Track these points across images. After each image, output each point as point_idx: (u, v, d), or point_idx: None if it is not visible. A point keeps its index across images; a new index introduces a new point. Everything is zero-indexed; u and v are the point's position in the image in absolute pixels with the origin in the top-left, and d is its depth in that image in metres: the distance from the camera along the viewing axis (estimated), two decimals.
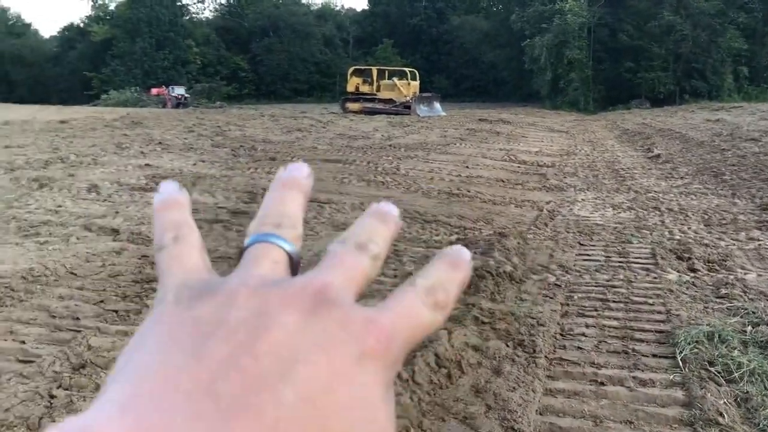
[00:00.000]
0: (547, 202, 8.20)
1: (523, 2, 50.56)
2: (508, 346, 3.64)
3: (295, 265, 0.35)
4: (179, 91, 43.98)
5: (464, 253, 0.35)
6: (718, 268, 5.24)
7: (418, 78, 32.99)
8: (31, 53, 72.77)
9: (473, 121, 23.89)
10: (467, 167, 11.16)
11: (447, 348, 3.44)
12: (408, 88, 31.25)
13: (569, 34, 44.46)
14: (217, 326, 0.28)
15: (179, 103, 40.78)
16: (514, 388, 3.17)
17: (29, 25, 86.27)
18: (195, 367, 0.26)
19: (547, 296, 4.57)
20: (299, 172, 0.39)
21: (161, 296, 0.32)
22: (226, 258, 5.24)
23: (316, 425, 0.26)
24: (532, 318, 4.07)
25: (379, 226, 0.36)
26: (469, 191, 8.71)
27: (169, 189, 0.38)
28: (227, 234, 6.09)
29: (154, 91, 44.72)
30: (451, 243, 5.98)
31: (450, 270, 0.34)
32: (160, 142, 13.79)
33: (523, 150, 14.46)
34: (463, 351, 3.48)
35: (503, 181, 9.84)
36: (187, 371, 0.26)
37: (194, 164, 10.82)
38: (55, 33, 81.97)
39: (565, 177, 10.55)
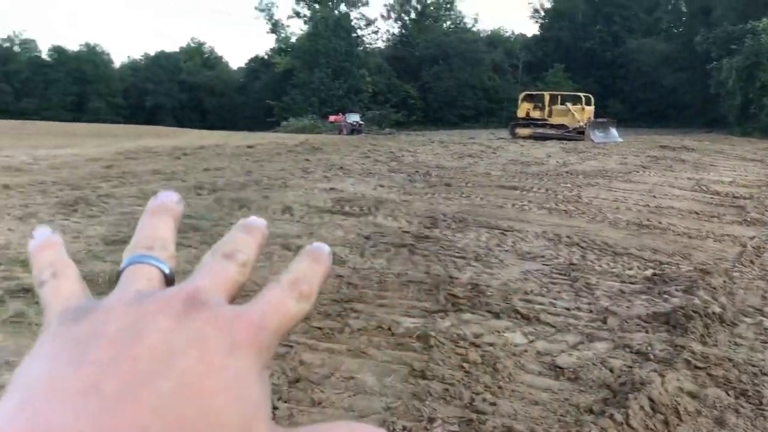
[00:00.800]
0: (751, 238, 7.52)
1: (709, 23, 47.35)
2: (729, 395, 3.35)
3: (170, 282, 0.38)
4: (354, 118, 45.65)
5: (324, 248, 0.39)
6: None
7: (592, 103, 31.90)
8: (222, 84, 79.81)
9: (654, 147, 22.62)
10: (654, 197, 10.54)
11: (661, 392, 3.23)
12: (582, 113, 30.30)
13: (763, 56, 40.86)
14: (97, 338, 0.31)
15: (353, 130, 42.31)
16: None
17: (221, 57, 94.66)
18: (79, 372, 0.29)
19: (766, 342, 4.16)
20: (168, 199, 0.42)
21: (46, 325, 0.34)
22: (416, 282, 5.33)
23: (193, 409, 0.29)
24: (753, 365, 3.72)
25: (244, 236, 0.39)
26: (660, 222, 8.21)
27: (42, 233, 0.40)
28: (413, 258, 6.20)
29: (331, 118, 46.87)
30: (646, 278, 5.66)
31: (311, 263, 0.38)
32: (341, 167, 14.44)
33: (714, 180, 13.42)
34: (678, 397, 3.25)
35: (696, 213, 9.17)
36: (73, 376, 0.29)
37: (374, 188, 11.19)
38: (242, 65, 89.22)
39: (766, 210, 9.63)
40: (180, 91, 77.57)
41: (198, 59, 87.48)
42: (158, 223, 0.40)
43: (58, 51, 77.67)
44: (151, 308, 0.33)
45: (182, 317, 0.32)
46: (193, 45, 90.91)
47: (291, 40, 73.47)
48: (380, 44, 77.31)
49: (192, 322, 0.32)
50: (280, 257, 6.07)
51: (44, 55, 78.46)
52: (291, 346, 3.83)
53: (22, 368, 0.31)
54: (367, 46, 73.76)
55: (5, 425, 0.27)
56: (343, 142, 25.46)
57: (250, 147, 20.68)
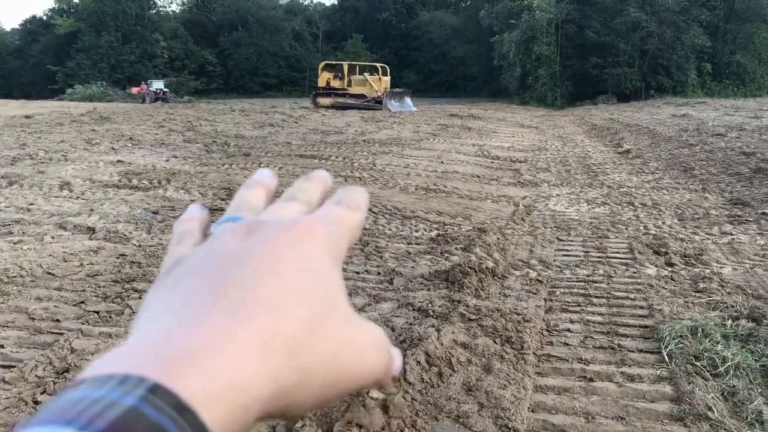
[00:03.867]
0: (523, 198, 8.26)
1: None
2: (495, 343, 3.65)
3: None
4: (158, 85, 42.52)
5: (357, 187, 0.46)
6: (694, 262, 5.33)
7: (389, 73, 32.97)
8: None
9: (444, 116, 23.95)
10: (442, 162, 11.18)
11: (437, 346, 3.44)
12: (379, 83, 31.23)
13: (537, 30, 44.87)
14: (184, 274, 0.36)
15: (158, 98, 39.57)
16: (505, 385, 3.18)
17: None
18: (176, 295, 0.34)
19: (530, 292, 4.60)
20: (261, 175, 0.47)
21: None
22: None
23: (277, 286, 0.33)
24: (518, 314, 4.09)
25: (306, 183, 0.46)
26: (446, 186, 8.73)
27: (192, 209, 0.47)
28: None
29: (134, 90, 43.12)
30: (431, 239, 5.99)
31: (351, 190, 0.45)
32: (130, 138, 13.56)
33: (495, 145, 14.55)
34: (452, 349, 3.48)
35: (478, 177, 9.88)
36: (171, 299, 0.34)
37: (167, 160, 10.66)
38: (16, 26, 79.95)
39: (538, 172, 10.64)
40: None
41: None
42: (249, 192, 0.45)
43: None
44: (221, 239, 0.38)
45: (248, 233, 0.37)
46: None
47: (74, 0, 67.02)
48: (174, 8, 73.35)
49: (258, 233, 0.37)
50: (54, 238, 5.56)
51: None
52: (61, 334, 3.53)
53: (134, 322, 0.36)
54: (161, 9, 69.57)
55: (122, 348, 0.31)
56: (136, 111, 23.90)
57: (27, 117, 18.71)
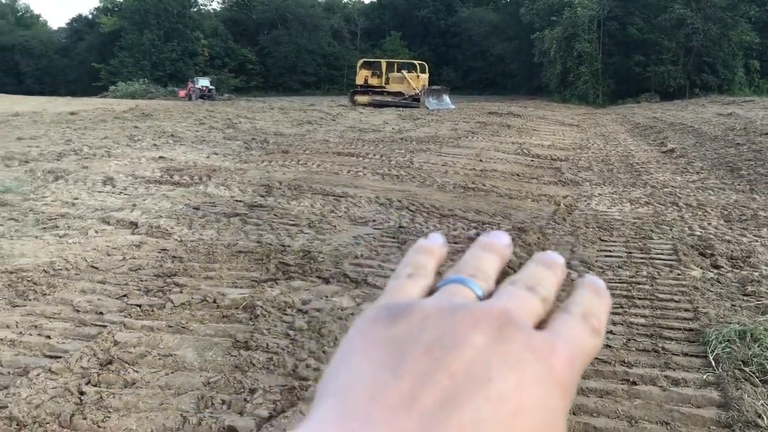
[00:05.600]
0: (564, 197, 8.14)
1: None
2: None
3: None
4: (204, 82, 42.43)
5: (601, 283, 0.38)
6: (742, 264, 5.18)
7: (427, 71, 32.85)
8: (40, 45, 72.83)
9: (483, 114, 23.78)
10: (480, 161, 11.10)
11: None
12: (417, 81, 31.13)
13: (579, 27, 44.21)
14: (412, 344, 0.31)
15: (203, 95, 39.70)
16: None
17: (38, 16, 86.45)
18: (396, 382, 0.29)
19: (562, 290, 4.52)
20: (499, 239, 0.41)
21: (366, 313, 0.35)
22: (246, 252, 5.22)
23: None
24: None
25: (546, 271, 0.38)
26: (484, 185, 8.66)
27: (435, 238, 0.42)
28: (245, 228, 6.06)
29: (181, 93, 43.07)
30: (469, 238, 5.94)
31: (596, 297, 0.37)
32: (172, 135, 13.78)
33: (535, 144, 14.38)
34: None
35: (518, 175, 9.78)
36: (390, 387, 0.29)
37: (207, 157, 10.80)
38: (63, 24, 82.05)
39: (579, 171, 10.48)
40: None
41: (11, 18, 79.15)
42: (485, 257, 0.39)
43: None
44: (467, 321, 0.32)
45: (497, 336, 0.31)
46: (4, 2, 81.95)
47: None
48: (215, 6, 74.33)
49: (507, 343, 0.31)
50: (98, 232, 5.67)
51: None
52: (104, 326, 3.60)
53: (335, 367, 0.31)
54: (201, 7, 70.57)
55: None
56: (177, 108, 24.29)
57: (72, 113, 19.17)
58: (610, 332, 3.80)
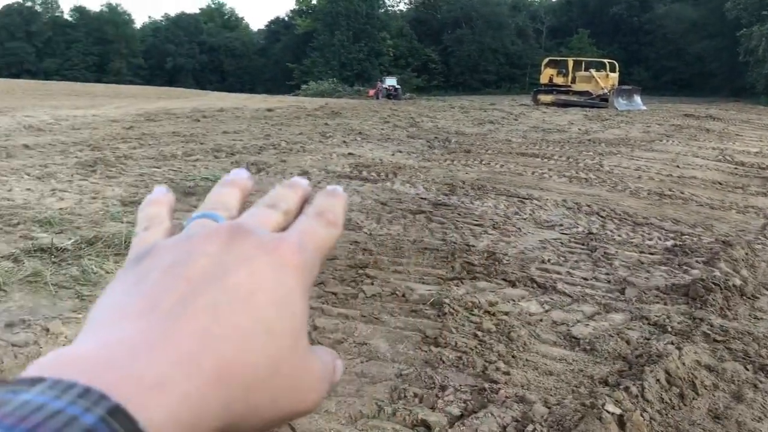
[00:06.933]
0: None
1: None
2: (747, 369, 3.29)
3: None
4: (390, 82, 43.18)
5: (338, 188, 0.43)
6: None
7: (617, 70, 31.29)
8: (242, 45, 79.35)
9: (678, 116, 22.21)
10: (677, 166, 10.36)
11: (678, 365, 3.18)
12: (606, 80, 29.76)
13: None
14: (153, 270, 0.34)
15: (389, 94, 40.61)
16: (760, 418, 2.85)
17: (242, 19, 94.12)
18: (138, 300, 0.32)
19: None
20: (237, 175, 0.44)
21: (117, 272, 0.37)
22: (432, 249, 5.29)
23: (248, 319, 0.32)
24: None
25: (287, 191, 0.42)
26: (682, 193, 8.07)
27: (157, 191, 0.44)
28: (429, 225, 6.15)
29: (370, 92, 44.52)
30: (666, 249, 5.57)
31: (331, 197, 0.41)
32: (359, 132, 14.34)
33: (739, 150, 13.14)
34: (695, 370, 3.20)
35: (720, 184, 9.00)
36: (132, 303, 0.32)
37: (392, 154, 11.11)
38: (262, 26, 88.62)
39: None
40: (200, 52, 77.32)
41: (218, 20, 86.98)
42: (225, 191, 0.43)
43: (79, 11, 77.60)
44: (201, 238, 0.36)
45: (229, 243, 0.35)
46: (213, 6, 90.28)
47: (312, 2, 72.59)
48: (402, 7, 76.23)
49: (238, 246, 0.35)
50: None
51: (66, 15, 78.38)
52: None
53: (91, 309, 0.34)
54: (389, 8, 72.76)
55: (81, 349, 0.29)
56: (363, 107, 25.27)
57: (269, 110, 20.60)
58: None
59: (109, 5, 78.71)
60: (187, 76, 73.15)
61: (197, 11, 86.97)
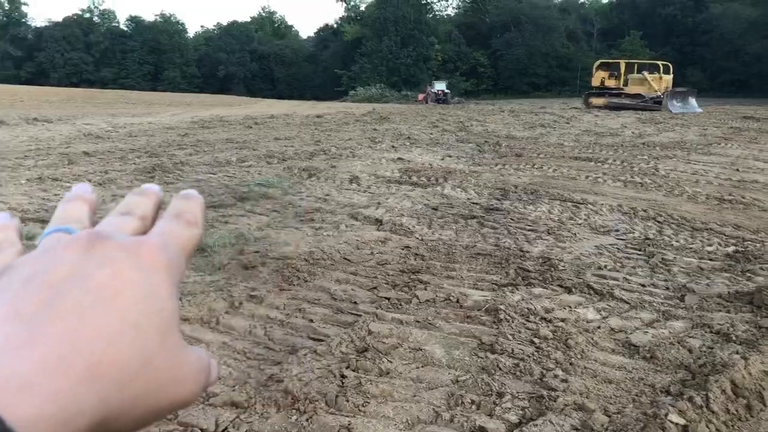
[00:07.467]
0: None
1: None
2: None
3: None
4: (439, 86, 43.18)
5: (192, 191, 0.44)
6: None
7: (671, 71, 30.56)
8: (291, 53, 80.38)
9: (737, 118, 21.57)
10: (737, 170, 10.05)
11: (744, 375, 3.08)
12: (659, 82, 29.10)
13: None
14: (14, 282, 0.33)
15: (438, 99, 40.54)
16: None
17: (291, 26, 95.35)
18: (1, 305, 0.32)
19: None
20: (81, 190, 0.44)
21: None
22: (485, 255, 5.26)
23: (114, 317, 0.32)
24: None
25: (139, 198, 0.43)
26: (743, 197, 7.82)
27: (0, 217, 0.43)
28: (482, 230, 6.11)
29: (420, 97, 44.51)
30: (727, 255, 5.41)
31: (187, 200, 0.43)
32: (408, 137, 14.37)
33: None
34: (763, 381, 3.09)
35: None
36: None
37: (442, 159, 11.09)
38: (312, 34, 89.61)
39: None
40: (251, 60, 78.66)
41: (269, 29, 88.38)
42: (71, 206, 0.43)
43: (135, 21, 79.92)
44: (58, 250, 0.36)
45: (88, 248, 0.35)
46: (264, 14, 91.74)
47: (360, 8, 73.10)
48: (450, 11, 76.04)
49: (99, 250, 0.35)
50: (347, 227, 6.10)
51: (122, 26, 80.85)
52: (359, 315, 3.85)
53: None
54: (437, 13, 72.69)
55: None
56: (410, 111, 25.29)
57: (318, 116, 20.83)
58: None
59: (163, 15, 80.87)
60: (238, 84, 74.52)
61: (248, 19, 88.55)
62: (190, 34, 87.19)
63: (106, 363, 0.31)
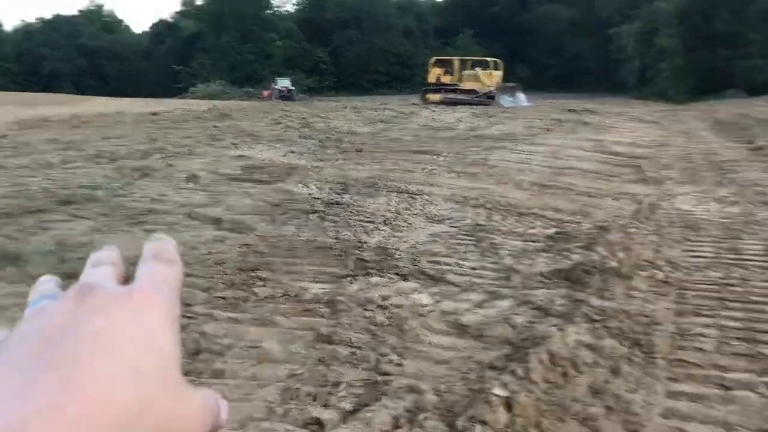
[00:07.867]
0: (646, 195, 7.88)
1: None
2: (623, 345, 3.50)
3: None
4: (284, 83, 42.50)
5: (159, 234, 0.44)
6: None
7: (501, 68, 32.47)
8: (124, 48, 75.93)
9: (558, 111, 23.33)
10: (557, 158, 10.88)
11: (561, 346, 3.34)
12: (490, 78, 30.85)
13: (659, 22, 42.70)
14: (8, 346, 0.34)
15: (283, 96, 39.86)
16: (634, 389, 3.04)
17: (121, 21, 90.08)
18: (18, 352, 0.32)
19: (658, 294, 4.38)
20: (41, 280, 0.44)
21: None
22: (325, 248, 5.29)
23: (111, 360, 0.32)
24: (646, 316, 3.91)
25: (101, 253, 0.44)
26: (562, 183, 8.49)
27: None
28: (323, 224, 6.15)
29: (264, 93, 43.40)
30: (548, 237, 5.84)
31: (159, 242, 0.43)
32: (250, 134, 14.12)
33: (614, 141, 13.96)
34: (577, 349, 3.37)
35: (597, 173, 9.54)
36: (15, 352, 0.32)
37: (284, 155, 11.00)
38: (147, 29, 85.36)
39: (661, 169, 10.12)
40: (79, 56, 73.22)
41: (98, 23, 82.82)
42: (44, 281, 0.42)
43: None
44: (50, 307, 0.36)
45: (79, 300, 0.35)
46: (92, 8, 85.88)
47: (197, 3, 70.59)
48: (290, 7, 75.46)
49: (90, 300, 0.35)
50: (185, 227, 5.88)
51: None
52: (192, 317, 3.72)
53: None
54: (277, 9, 71.84)
55: None
56: (252, 108, 24.87)
57: (154, 114, 19.89)
58: (701, 335, 3.65)
59: None
60: (66, 81, 69.09)
61: (75, 13, 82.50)
62: (8, 28, 79.84)
63: (105, 407, 0.31)
